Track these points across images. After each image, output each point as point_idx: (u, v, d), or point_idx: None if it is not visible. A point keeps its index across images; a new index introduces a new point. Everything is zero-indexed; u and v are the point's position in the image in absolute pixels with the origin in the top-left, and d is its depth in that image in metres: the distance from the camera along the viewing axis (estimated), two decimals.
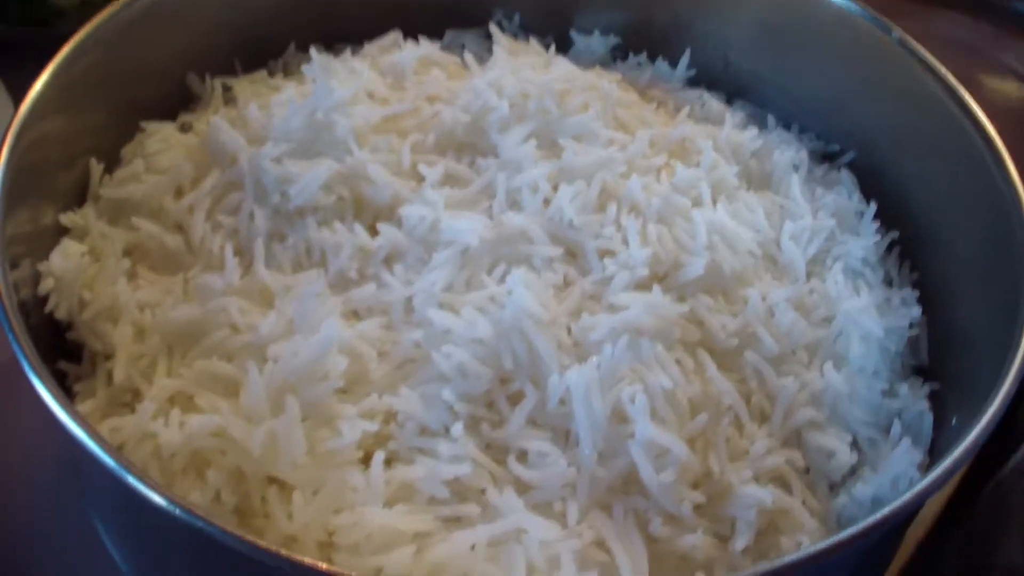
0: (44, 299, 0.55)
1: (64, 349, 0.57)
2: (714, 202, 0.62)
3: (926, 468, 0.56)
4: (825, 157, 0.70)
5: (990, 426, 0.50)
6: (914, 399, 0.59)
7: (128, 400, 0.54)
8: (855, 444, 0.58)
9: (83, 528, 0.60)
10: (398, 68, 0.66)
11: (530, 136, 0.62)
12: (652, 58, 0.73)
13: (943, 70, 0.63)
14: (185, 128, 0.65)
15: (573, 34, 0.74)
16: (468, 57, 0.68)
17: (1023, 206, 0.57)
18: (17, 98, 0.76)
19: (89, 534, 0.59)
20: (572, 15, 0.74)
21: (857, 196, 0.66)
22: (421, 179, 0.60)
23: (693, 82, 0.73)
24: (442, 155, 0.62)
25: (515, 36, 0.74)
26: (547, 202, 0.59)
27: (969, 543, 0.60)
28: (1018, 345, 0.53)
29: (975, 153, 0.60)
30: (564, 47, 0.74)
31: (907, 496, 0.47)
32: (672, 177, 0.62)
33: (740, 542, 0.52)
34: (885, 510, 0.47)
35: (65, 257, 0.56)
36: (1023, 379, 0.52)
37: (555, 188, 0.60)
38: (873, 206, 0.64)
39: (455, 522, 0.51)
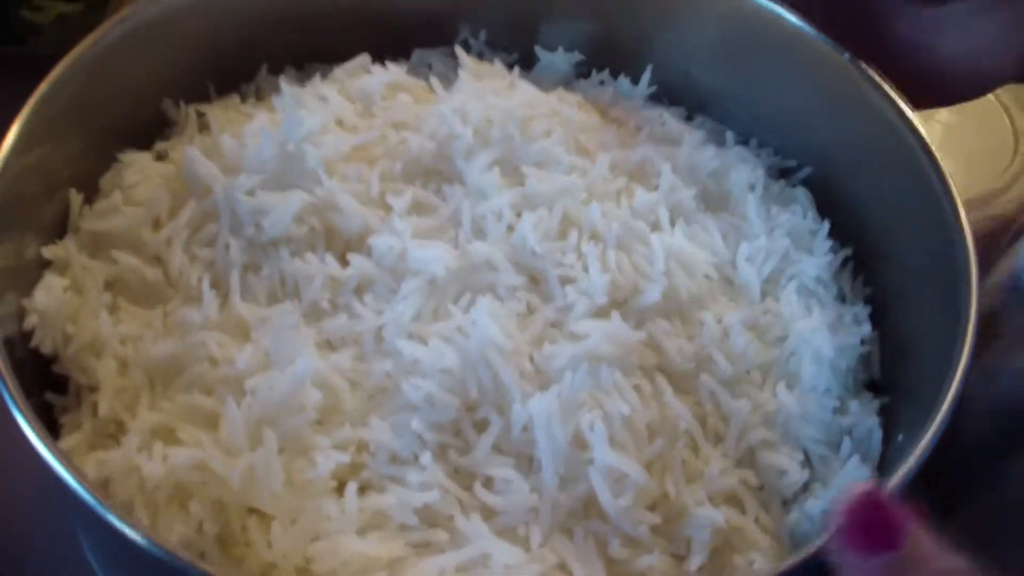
0: (29, 333, 0.58)
1: (50, 380, 0.59)
2: (672, 224, 0.64)
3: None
4: (782, 172, 0.72)
5: (932, 443, 0.53)
6: (864, 415, 0.62)
7: (113, 431, 0.57)
8: (807, 460, 0.61)
9: (69, 549, 0.63)
10: (366, 94, 0.68)
11: (494, 163, 0.64)
12: (615, 74, 0.75)
13: (889, 89, 0.65)
14: (161, 156, 0.67)
15: (538, 50, 0.76)
16: (434, 81, 0.70)
17: (962, 220, 0.60)
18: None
19: (76, 555, 0.62)
20: (537, 31, 0.76)
21: (811, 214, 0.68)
22: (390, 208, 0.63)
23: (655, 97, 0.75)
24: (410, 182, 0.64)
25: (481, 54, 0.76)
26: (511, 229, 0.62)
27: None
28: (958, 363, 0.56)
29: (920, 170, 0.63)
30: (529, 63, 0.76)
31: None
32: (632, 201, 0.64)
33: (695, 561, 0.55)
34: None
35: (48, 293, 0.58)
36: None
37: (519, 215, 0.62)
38: (826, 225, 0.67)
39: (425, 547, 0.54)
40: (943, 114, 0.92)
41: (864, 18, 0.67)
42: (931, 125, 0.91)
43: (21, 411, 0.50)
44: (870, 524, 0.43)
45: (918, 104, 0.65)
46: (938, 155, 0.63)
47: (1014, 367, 0.62)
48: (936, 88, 0.67)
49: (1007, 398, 0.62)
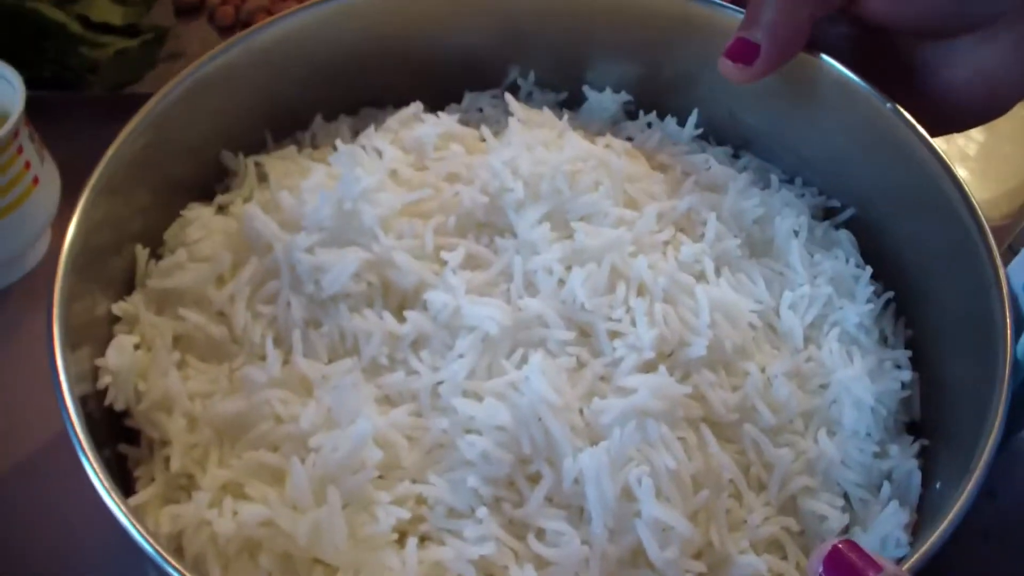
0: (103, 391, 0.61)
1: (124, 431, 0.62)
2: (718, 274, 0.66)
3: (913, 526, 0.61)
4: (826, 213, 0.74)
5: (971, 496, 0.55)
6: (903, 458, 0.64)
7: (185, 484, 0.60)
8: (847, 503, 0.63)
9: None
10: (420, 144, 0.70)
11: (544, 217, 0.66)
12: (661, 115, 0.77)
13: (929, 140, 0.66)
14: (222, 208, 0.70)
15: (586, 90, 0.78)
16: (485, 130, 0.72)
17: (997, 263, 0.62)
18: (59, 160, 0.81)
19: None
20: (584, 71, 0.78)
21: (854, 259, 0.70)
22: (444, 263, 0.65)
23: (702, 136, 0.77)
24: (462, 235, 0.67)
25: (530, 94, 0.78)
26: (561, 283, 0.64)
27: None
28: (996, 411, 0.58)
29: (956, 215, 0.64)
30: (577, 102, 0.78)
31: None
32: (678, 253, 0.66)
33: None
34: None
35: (120, 352, 0.61)
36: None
37: (568, 269, 0.64)
38: (868, 271, 0.68)
39: None
40: (976, 132, 0.93)
41: (886, 54, 0.71)
42: (968, 144, 0.92)
43: (96, 471, 0.53)
44: (840, 566, 0.48)
45: (938, 129, 0.67)
46: (971, 185, 0.65)
47: None
48: (955, 112, 0.71)
49: None
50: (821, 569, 0.48)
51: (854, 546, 0.48)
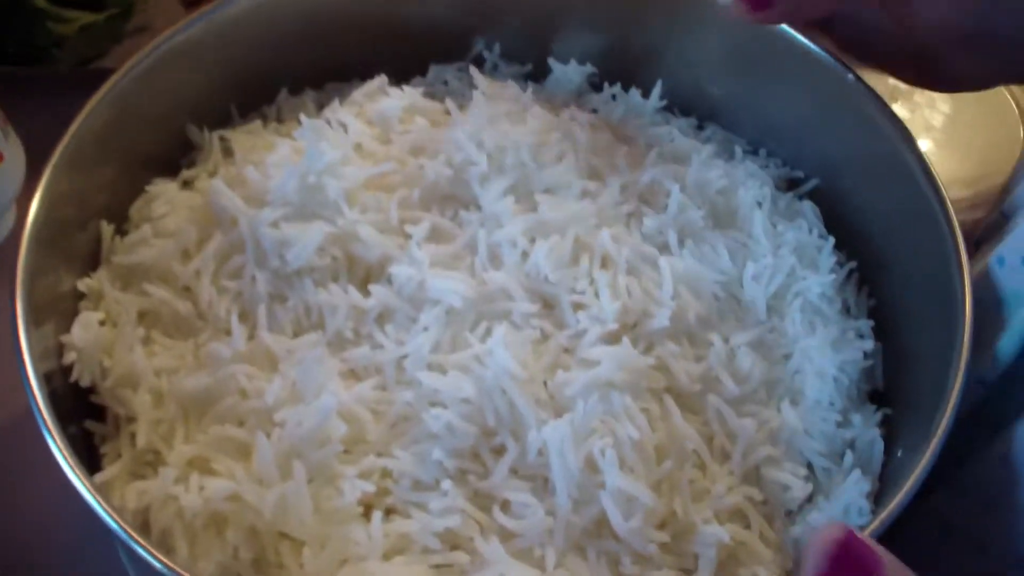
0: (68, 367, 0.61)
1: (89, 408, 0.62)
2: (681, 244, 0.66)
3: (875, 495, 0.62)
4: (790, 184, 0.74)
5: (930, 463, 0.56)
6: (866, 427, 0.64)
7: (151, 460, 0.60)
8: (811, 473, 0.63)
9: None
10: (384, 118, 0.70)
11: (508, 190, 0.66)
12: (626, 86, 0.77)
13: (891, 110, 0.67)
14: (188, 183, 0.70)
15: (551, 62, 0.78)
16: (449, 103, 0.72)
17: (956, 233, 0.63)
18: (24, 136, 0.81)
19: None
20: (550, 43, 0.78)
21: (817, 229, 0.70)
22: (408, 236, 0.65)
23: (666, 108, 0.77)
24: (427, 209, 0.67)
25: (496, 66, 0.78)
26: (525, 256, 0.64)
27: None
28: (955, 378, 0.58)
29: (918, 187, 0.65)
30: (543, 74, 0.78)
31: None
32: (641, 225, 0.66)
33: None
34: None
35: (85, 328, 0.61)
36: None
37: (532, 242, 0.65)
38: (831, 241, 0.69)
39: (447, 569, 0.57)
40: (944, 105, 0.94)
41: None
42: (933, 115, 0.92)
43: (60, 448, 0.54)
44: (843, 566, 0.46)
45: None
46: (935, 156, 0.65)
47: None
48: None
49: None
50: (825, 569, 0.45)
51: (852, 536, 0.46)
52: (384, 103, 0.71)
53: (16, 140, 0.80)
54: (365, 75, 0.74)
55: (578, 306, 0.63)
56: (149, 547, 0.50)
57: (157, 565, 0.50)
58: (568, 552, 0.58)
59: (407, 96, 0.72)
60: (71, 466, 0.53)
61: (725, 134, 0.77)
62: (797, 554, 0.61)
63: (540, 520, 0.57)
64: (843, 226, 0.71)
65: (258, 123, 0.73)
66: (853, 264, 0.70)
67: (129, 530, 0.51)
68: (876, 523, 0.54)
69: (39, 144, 0.66)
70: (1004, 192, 0.80)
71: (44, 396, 0.55)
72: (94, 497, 0.52)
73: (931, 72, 0.66)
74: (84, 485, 0.52)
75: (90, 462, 0.60)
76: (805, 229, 0.70)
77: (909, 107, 0.72)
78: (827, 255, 0.68)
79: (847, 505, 0.61)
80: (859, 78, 0.68)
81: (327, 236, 0.64)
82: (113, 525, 0.51)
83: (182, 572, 0.50)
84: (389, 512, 0.59)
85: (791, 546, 0.61)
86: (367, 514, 0.58)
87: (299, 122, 0.69)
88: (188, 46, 0.70)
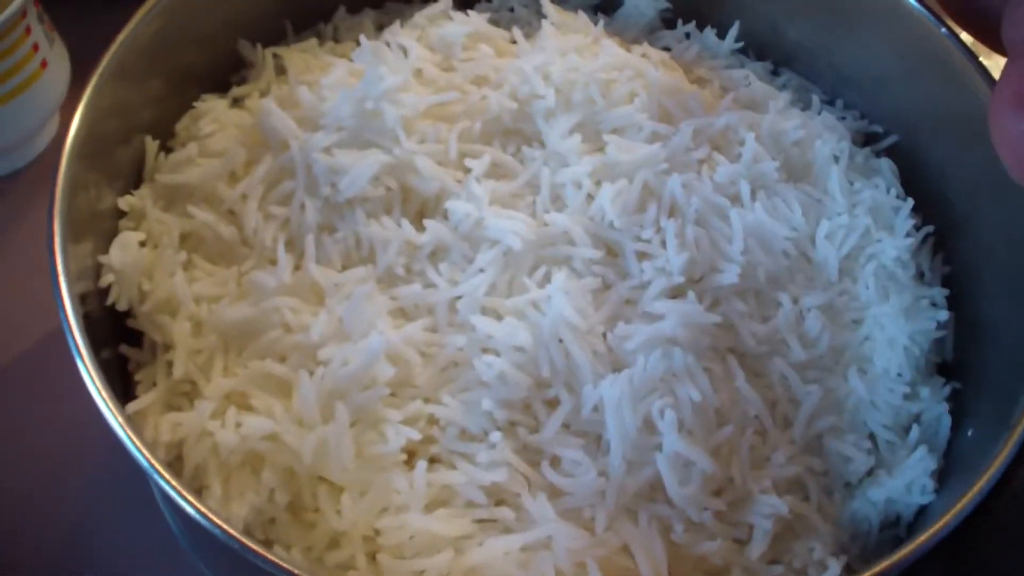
0: (105, 289, 0.58)
1: (126, 332, 0.59)
2: (753, 196, 0.63)
3: (940, 474, 0.59)
4: (866, 139, 0.71)
5: (1013, 452, 0.53)
6: (934, 401, 0.61)
7: (187, 390, 0.57)
8: (874, 446, 0.61)
9: (141, 501, 0.64)
10: (447, 43, 0.66)
11: (575, 128, 0.63)
12: (700, 25, 0.73)
13: (984, 66, 0.63)
14: (238, 102, 0.66)
15: None
16: (516, 32, 0.68)
17: None
18: (71, 46, 0.77)
19: (147, 507, 0.64)
20: None
21: (895, 189, 0.66)
22: (467, 170, 0.62)
23: (740, 51, 0.73)
24: (488, 143, 0.63)
25: None
26: (590, 198, 0.61)
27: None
28: None
29: None
30: (613, 6, 0.74)
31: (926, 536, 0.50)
32: (713, 173, 0.63)
33: (756, 549, 0.56)
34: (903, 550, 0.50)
35: (124, 249, 0.58)
36: None
37: (598, 184, 0.61)
38: (909, 203, 0.65)
39: (491, 524, 0.55)
40: None
41: None
42: None
43: (91, 374, 0.51)
44: None
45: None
46: None
47: None
48: None
49: None
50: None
51: None
52: (447, 28, 0.67)
53: (62, 48, 0.77)
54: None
55: (643, 255, 0.60)
56: (177, 485, 0.48)
57: (188, 508, 0.47)
58: (619, 515, 0.55)
59: (472, 21, 0.68)
60: (102, 395, 0.50)
61: (801, 81, 0.73)
62: (854, 529, 0.59)
63: (592, 480, 0.55)
64: (921, 186, 0.67)
65: (314, 41, 0.69)
66: (930, 228, 0.66)
67: (156, 464, 0.48)
68: (951, 514, 0.51)
69: (85, 53, 0.63)
70: None
71: (77, 318, 0.52)
72: (123, 428, 0.49)
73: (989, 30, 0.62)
74: (113, 414, 0.49)
75: (124, 389, 0.58)
76: (883, 188, 0.66)
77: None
78: (904, 217, 0.65)
79: (910, 482, 0.58)
80: (951, 31, 0.63)
81: (383, 165, 0.60)
82: (140, 459, 0.49)
83: (213, 518, 0.47)
84: (433, 462, 0.56)
85: (848, 520, 0.59)
86: (410, 462, 0.55)
87: (357, 43, 0.66)
88: None
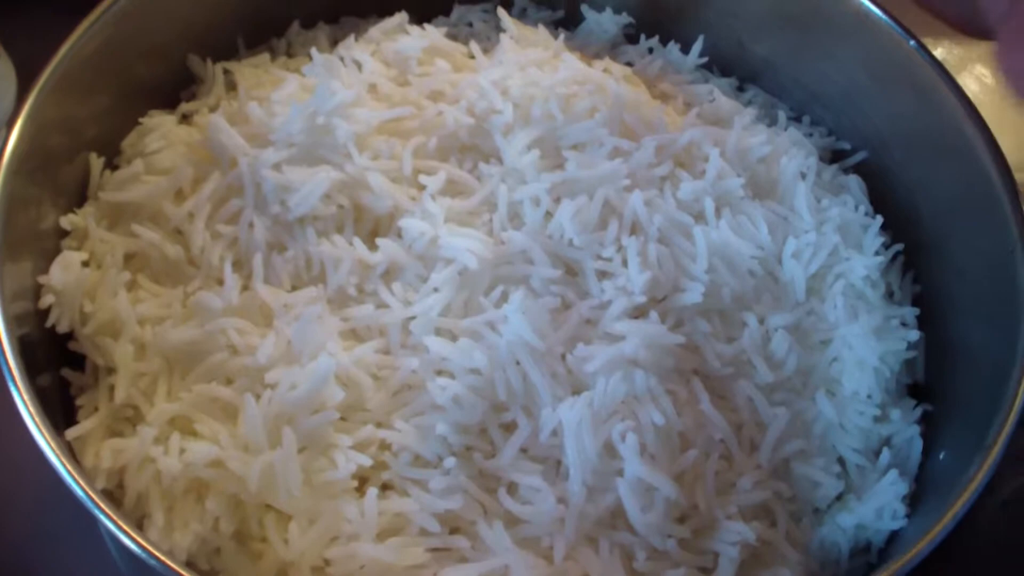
0: (45, 310, 0.56)
1: (67, 355, 0.57)
2: (718, 214, 0.61)
3: (911, 498, 0.57)
4: (834, 155, 0.69)
5: (988, 475, 0.51)
6: (905, 424, 0.60)
7: (130, 415, 0.55)
8: (843, 469, 0.59)
9: (85, 529, 0.62)
10: (402, 58, 0.65)
11: (533, 143, 0.61)
12: (664, 40, 0.72)
13: (956, 82, 0.61)
14: (186, 117, 0.65)
15: (584, 9, 0.72)
16: (474, 46, 0.66)
17: (1021, 215, 0.57)
18: (19, 60, 0.75)
19: (92, 536, 0.61)
20: None
21: (864, 207, 0.65)
22: (422, 187, 0.60)
23: (705, 66, 0.71)
24: (444, 159, 0.62)
25: (524, 10, 0.72)
26: (548, 215, 0.59)
27: None
28: (1017, 386, 0.53)
29: (980, 165, 0.60)
30: (575, 22, 0.73)
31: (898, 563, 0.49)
32: (676, 191, 0.61)
33: None
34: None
35: (65, 269, 0.56)
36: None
37: (557, 201, 0.59)
38: (878, 221, 0.64)
39: (446, 554, 0.53)
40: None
41: None
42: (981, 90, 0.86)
43: (24, 400, 0.49)
44: None
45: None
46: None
47: None
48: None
49: None
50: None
51: None
52: (403, 42, 0.66)
53: (7, 61, 0.74)
54: (384, 11, 0.69)
55: (603, 274, 0.58)
56: (116, 517, 0.46)
57: (126, 540, 0.45)
58: (579, 543, 0.53)
59: (428, 36, 0.66)
60: (35, 421, 0.48)
61: (767, 97, 0.71)
62: (824, 556, 0.57)
63: (551, 507, 0.53)
64: (890, 204, 0.66)
65: (266, 56, 0.67)
66: (900, 246, 0.65)
67: (96, 497, 0.46)
68: (924, 542, 0.49)
69: (32, 67, 0.61)
70: None
71: (12, 341, 0.50)
72: (58, 458, 0.47)
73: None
74: (48, 444, 0.47)
75: (66, 415, 0.56)
76: (851, 205, 0.64)
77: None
78: (873, 235, 0.63)
79: (881, 507, 0.57)
80: (921, 44, 0.62)
81: (334, 183, 0.58)
82: (76, 488, 0.47)
83: (152, 550, 0.45)
84: (385, 488, 0.54)
85: (818, 547, 0.57)
86: (361, 489, 0.53)
87: (310, 57, 0.64)
88: None
